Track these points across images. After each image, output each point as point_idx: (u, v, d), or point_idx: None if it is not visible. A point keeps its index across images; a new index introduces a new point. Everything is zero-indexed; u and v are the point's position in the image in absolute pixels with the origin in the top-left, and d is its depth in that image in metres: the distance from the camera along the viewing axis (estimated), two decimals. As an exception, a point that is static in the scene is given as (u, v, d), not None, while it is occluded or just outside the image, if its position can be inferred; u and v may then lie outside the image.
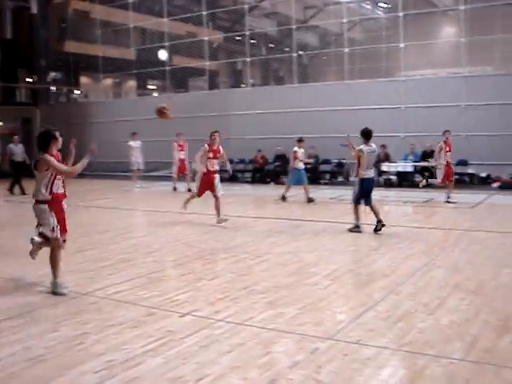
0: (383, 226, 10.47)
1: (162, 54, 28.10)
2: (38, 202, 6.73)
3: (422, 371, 4.36)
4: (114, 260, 8.53)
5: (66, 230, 6.94)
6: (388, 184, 18.86)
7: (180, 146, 19.34)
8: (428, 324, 5.42)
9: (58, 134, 6.76)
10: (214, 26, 29.53)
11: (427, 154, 18.68)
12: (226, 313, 5.82)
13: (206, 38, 26.49)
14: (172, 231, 11.39)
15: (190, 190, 18.69)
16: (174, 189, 19.40)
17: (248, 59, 25.55)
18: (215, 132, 12.22)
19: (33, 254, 6.97)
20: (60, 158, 6.81)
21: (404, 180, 19.22)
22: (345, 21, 24.82)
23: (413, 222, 11.83)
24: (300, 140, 15.81)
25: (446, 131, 15.18)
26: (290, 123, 21.26)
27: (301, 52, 28.08)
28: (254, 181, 22.11)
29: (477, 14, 20.65)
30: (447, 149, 14.96)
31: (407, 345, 4.89)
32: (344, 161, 20.81)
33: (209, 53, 26.94)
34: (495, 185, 18.18)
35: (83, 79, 33.72)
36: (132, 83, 33.37)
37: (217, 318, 5.56)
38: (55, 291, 6.68)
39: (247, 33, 25.86)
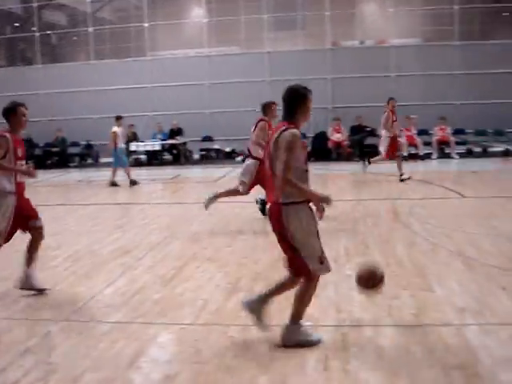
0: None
1: None
2: None
3: (152, 339, 4.57)
4: None
5: None
6: (138, 163, 18.95)
7: None
8: (162, 294, 5.66)
9: None
10: None
11: (175, 132, 19.14)
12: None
13: None
14: None
15: None
16: None
17: (-13, 39, 23.87)
18: (273, 103, 8.69)
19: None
20: None
21: (153, 158, 19.46)
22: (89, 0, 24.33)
23: (159, 198, 12.06)
24: (118, 118, 14.34)
25: (390, 99, 12.86)
26: (38, 107, 20.32)
27: (48, 32, 27.01)
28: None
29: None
30: (394, 118, 12.79)
31: (141, 316, 5.08)
32: (92, 142, 20.50)
33: None
34: (239, 158, 19.25)
35: None
36: None
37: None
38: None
39: (-15, 10, 24.22)
